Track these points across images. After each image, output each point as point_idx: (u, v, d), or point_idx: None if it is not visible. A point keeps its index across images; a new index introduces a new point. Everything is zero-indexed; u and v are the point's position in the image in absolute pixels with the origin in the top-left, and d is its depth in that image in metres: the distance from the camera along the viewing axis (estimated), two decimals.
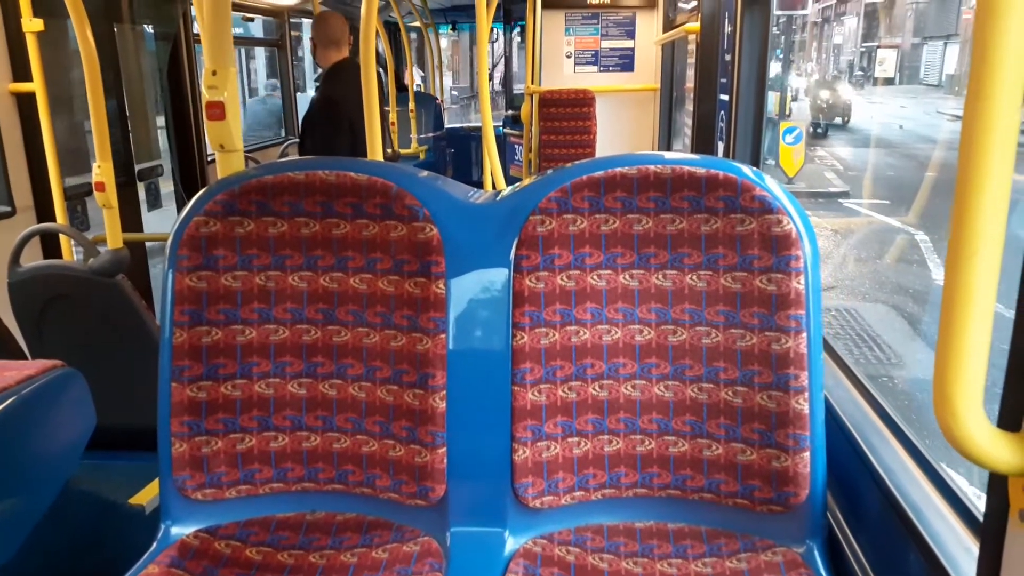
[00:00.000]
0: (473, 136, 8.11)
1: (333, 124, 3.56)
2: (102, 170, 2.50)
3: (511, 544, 1.41)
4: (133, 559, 1.38)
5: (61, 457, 1.61)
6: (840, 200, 11.27)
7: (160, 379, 1.45)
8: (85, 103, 2.53)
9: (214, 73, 1.64)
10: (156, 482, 1.49)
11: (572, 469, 1.44)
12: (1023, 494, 0.79)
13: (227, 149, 1.65)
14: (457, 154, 8.04)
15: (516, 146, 6.62)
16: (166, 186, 4.47)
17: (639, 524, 1.45)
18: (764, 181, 1.40)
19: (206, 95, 1.64)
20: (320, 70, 3.96)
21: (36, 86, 2.80)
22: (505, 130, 7.04)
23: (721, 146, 2.70)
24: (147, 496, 2.29)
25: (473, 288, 1.45)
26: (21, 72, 2.98)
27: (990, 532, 0.86)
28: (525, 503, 1.42)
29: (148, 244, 3.92)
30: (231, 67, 1.68)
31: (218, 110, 1.63)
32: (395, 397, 1.45)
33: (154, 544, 1.42)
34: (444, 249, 1.44)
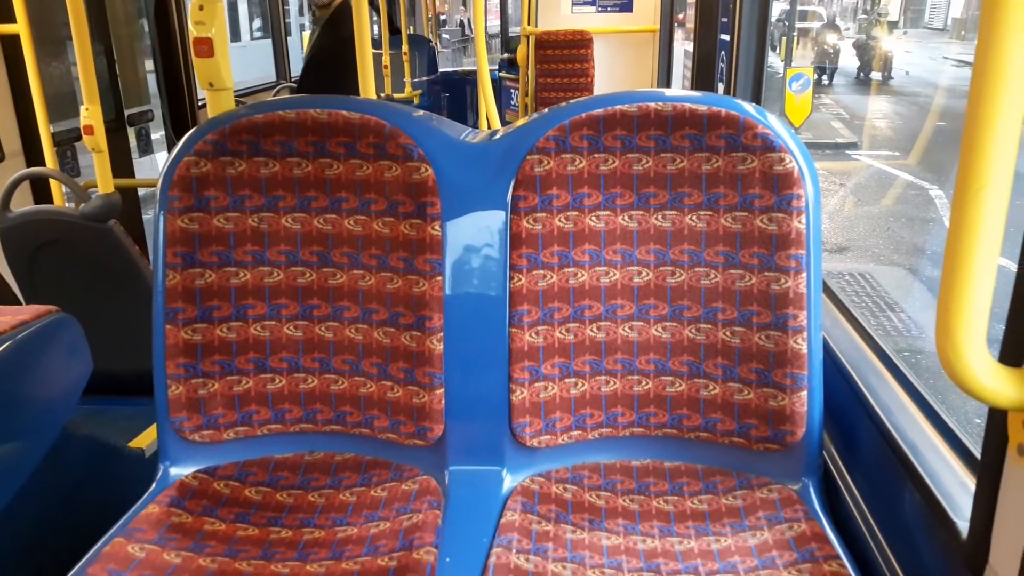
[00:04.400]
0: (468, 80, 7.97)
1: (343, 65, 3.48)
2: (90, 113, 2.45)
3: (509, 482, 1.42)
4: (133, 501, 1.39)
5: (58, 401, 1.61)
6: (848, 152, 11.04)
7: (154, 321, 1.44)
8: (71, 45, 2.46)
9: (201, 8, 1.60)
10: (155, 426, 1.50)
11: (569, 409, 1.44)
12: (1021, 429, 0.79)
13: (216, 87, 1.61)
14: (452, 98, 7.91)
15: (512, 90, 6.50)
16: (157, 132, 4.41)
17: (636, 462, 1.46)
18: (766, 119, 1.37)
19: (193, 31, 1.59)
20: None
21: (20, 27, 2.72)
22: (501, 74, 6.91)
23: (721, 87, 2.65)
24: (146, 440, 2.30)
25: (469, 230, 1.43)
26: (4, 14, 2.89)
27: (988, 466, 0.86)
28: (523, 442, 1.42)
29: (141, 192, 3.88)
30: (219, 2, 1.63)
31: (206, 47, 1.58)
32: (392, 339, 1.44)
33: (153, 485, 1.43)
34: (440, 190, 1.41)
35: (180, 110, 4.14)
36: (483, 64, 3.10)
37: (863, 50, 17.78)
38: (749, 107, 1.38)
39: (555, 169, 1.39)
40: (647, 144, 1.38)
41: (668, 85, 5.33)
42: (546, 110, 1.46)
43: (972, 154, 0.68)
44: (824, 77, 17.14)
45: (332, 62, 3.55)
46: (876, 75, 17.46)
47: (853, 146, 11.34)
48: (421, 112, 1.55)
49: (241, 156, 1.43)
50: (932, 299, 5.73)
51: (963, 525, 0.94)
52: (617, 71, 5.65)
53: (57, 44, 3.50)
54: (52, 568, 1.20)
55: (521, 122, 1.48)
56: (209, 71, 1.60)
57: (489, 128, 3.07)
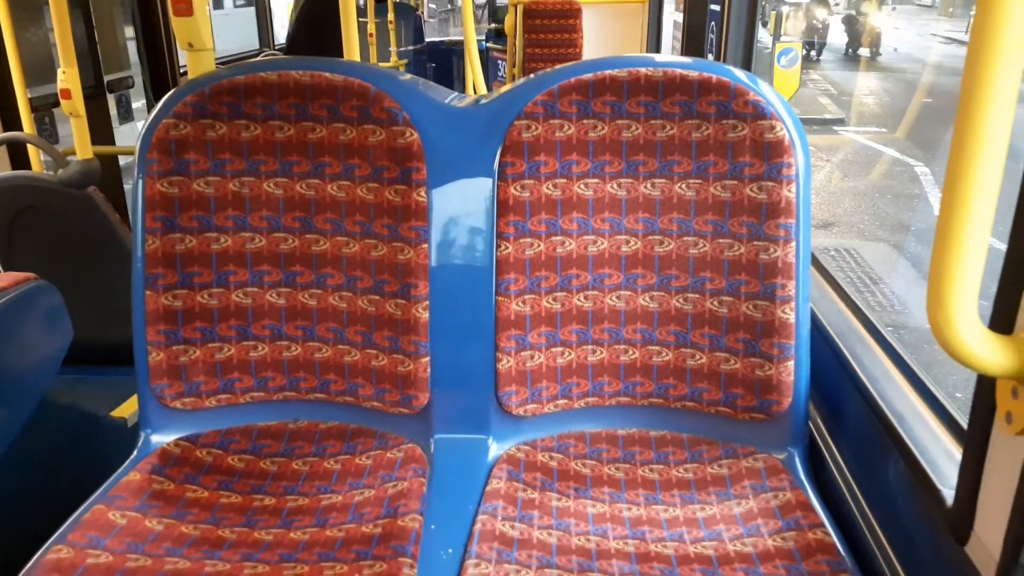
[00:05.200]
0: (455, 50, 7.89)
1: (328, 33, 3.42)
2: (67, 76, 2.39)
3: (495, 450, 1.42)
4: (116, 470, 1.37)
5: (38, 370, 1.59)
6: (835, 128, 11.04)
7: (134, 287, 1.41)
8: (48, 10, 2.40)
9: None
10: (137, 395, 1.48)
11: (556, 378, 1.43)
12: (1010, 397, 0.79)
13: (196, 48, 1.57)
14: (438, 68, 7.83)
15: (500, 61, 6.45)
16: (139, 101, 4.33)
17: (621, 431, 1.46)
18: (758, 86, 1.35)
19: None
20: None
21: None
22: (488, 44, 6.84)
23: (711, 57, 2.63)
24: (128, 409, 2.28)
25: (456, 196, 1.41)
26: None
27: (975, 434, 0.86)
28: (509, 411, 1.42)
29: (122, 161, 3.81)
30: None
31: (184, 5, 1.54)
32: (376, 307, 1.42)
33: (135, 452, 1.42)
34: (425, 155, 1.39)
35: (161, 77, 4.07)
36: (470, 32, 3.06)
37: (852, 26, 17.70)
38: (740, 74, 1.36)
39: (543, 135, 1.37)
40: (637, 110, 1.36)
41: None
42: (534, 75, 1.43)
43: (967, 120, 0.66)
44: (812, 52, 17.04)
45: (318, 30, 3.49)
46: (864, 51, 17.39)
47: (840, 122, 11.32)
48: (407, 76, 1.52)
49: (222, 119, 1.40)
50: (916, 275, 5.82)
51: (948, 493, 0.94)
52: (606, 42, 5.60)
53: (33, 8, 3.41)
54: (32, 536, 1.18)
55: (509, 87, 1.45)
56: (188, 30, 1.56)
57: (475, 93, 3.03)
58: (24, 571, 1.10)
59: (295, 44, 4.52)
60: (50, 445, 1.70)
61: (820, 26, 17.45)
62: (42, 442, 1.65)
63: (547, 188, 1.39)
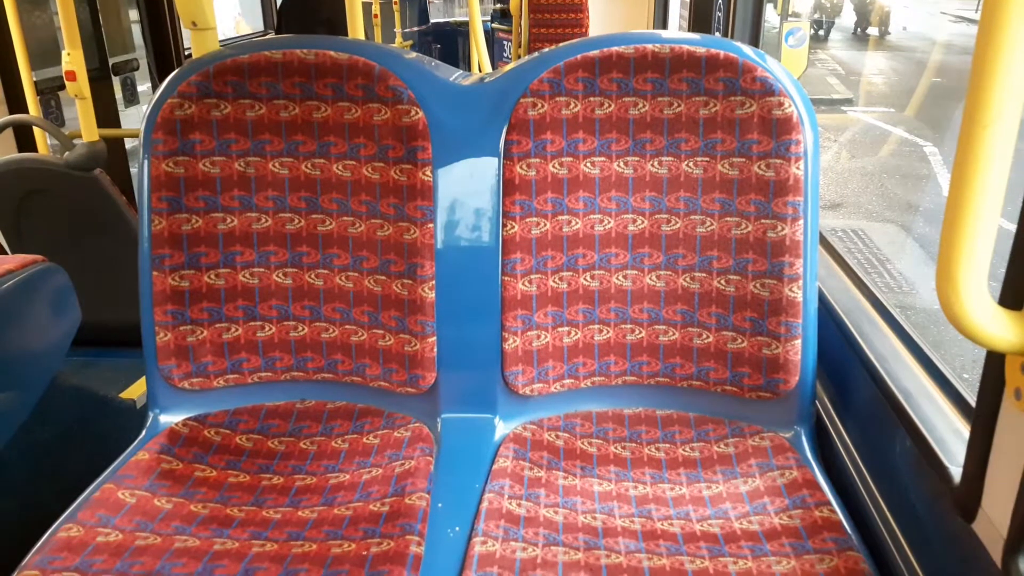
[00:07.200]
0: (460, 31, 7.85)
1: (318, 13, 3.38)
2: (72, 58, 2.38)
3: (501, 429, 1.42)
4: (125, 450, 1.38)
5: (47, 352, 1.60)
6: (843, 107, 10.96)
7: (141, 268, 1.42)
8: None
9: None
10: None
11: (562, 358, 1.43)
12: (1019, 373, 0.79)
13: (200, 27, 1.56)
14: (443, 50, 7.80)
15: (505, 42, 6.41)
16: (144, 84, 4.32)
17: (628, 411, 1.46)
18: (766, 62, 1.34)
19: None
20: None
21: None
22: (493, 25, 6.80)
23: (719, 35, 2.60)
24: (138, 391, 2.29)
25: (461, 175, 1.40)
26: None
27: (983, 410, 0.85)
28: (515, 391, 1.42)
29: (128, 144, 3.81)
30: None
31: None
32: (383, 287, 1.43)
33: (143, 432, 1.43)
34: (431, 134, 1.38)
35: (166, 60, 4.06)
36: (475, 12, 3.04)
37: (861, 4, 17.52)
38: (748, 50, 1.35)
39: (549, 113, 1.36)
40: (644, 87, 1.35)
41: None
42: (539, 52, 1.42)
43: (979, 91, 0.65)
44: (820, 32, 16.90)
45: (307, 11, 3.44)
46: (873, 30, 17.23)
47: (848, 102, 11.23)
48: (412, 54, 1.51)
49: (226, 98, 1.39)
50: (924, 256, 5.79)
51: (956, 471, 0.94)
52: (612, 22, 5.56)
53: None
54: (43, 516, 1.19)
55: (514, 64, 1.44)
56: (192, 9, 1.55)
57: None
58: (35, 549, 1.11)
59: (281, 27, 4.47)
60: (60, 427, 1.71)
61: (829, 5, 17.26)
62: (52, 424, 1.67)
63: (553, 167, 1.38)
